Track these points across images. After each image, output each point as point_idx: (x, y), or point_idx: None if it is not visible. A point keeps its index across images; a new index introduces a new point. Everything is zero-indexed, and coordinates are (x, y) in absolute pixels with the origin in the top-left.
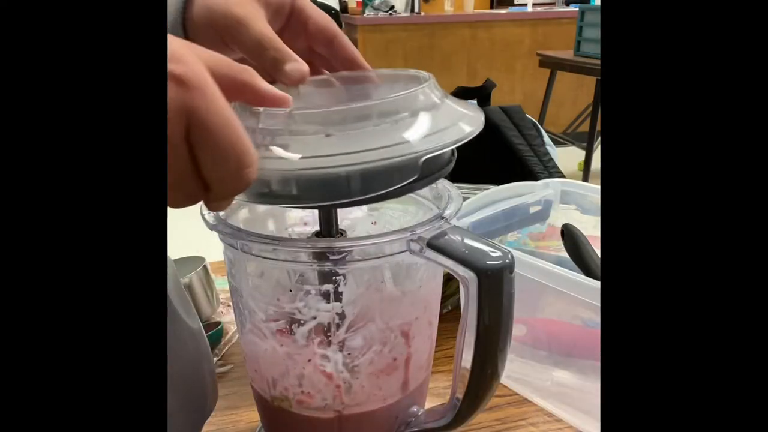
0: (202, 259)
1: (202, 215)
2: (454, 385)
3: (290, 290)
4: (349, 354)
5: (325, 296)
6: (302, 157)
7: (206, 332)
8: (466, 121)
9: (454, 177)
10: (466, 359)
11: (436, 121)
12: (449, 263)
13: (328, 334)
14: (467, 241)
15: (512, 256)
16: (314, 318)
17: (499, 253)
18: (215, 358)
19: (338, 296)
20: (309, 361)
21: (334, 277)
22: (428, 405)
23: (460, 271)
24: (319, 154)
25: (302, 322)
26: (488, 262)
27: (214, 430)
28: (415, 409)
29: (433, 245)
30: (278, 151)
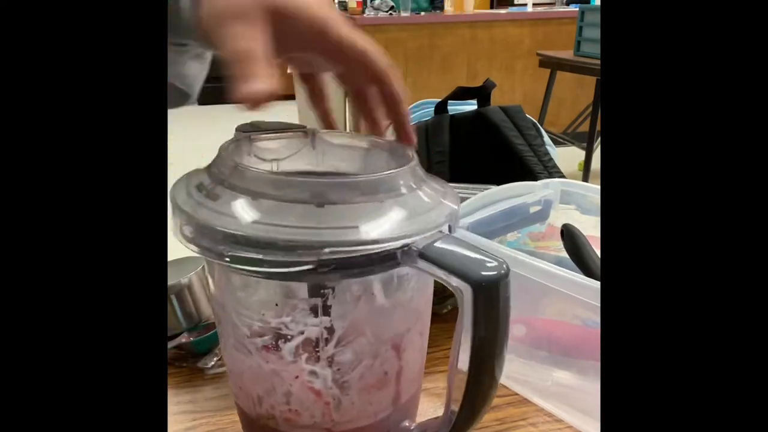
0: (201, 260)
1: (179, 232)
2: (448, 396)
3: (276, 304)
4: (338, 369)
5: (313, 310)
6: (254, 222)
7: (206, 332)
8: (413, 222)
9: (455, 177)
10: (460, 368)
11: (394, 213)
12: (442, 274)
13: (317, 349)
14: (461, 250)
15: (507, 265)
16: (302, 333)
17: (494, 263)
18: (215, 358)
19: (327, 310)
20: (296, 377)
21: (322, 290)
22: (428, 405)
23: (453, 282)
24: (273, 222)
25: (289, 337)
26: (483, 273)
27: (214, 430)
28: (407, 424)
29: (426, 256)
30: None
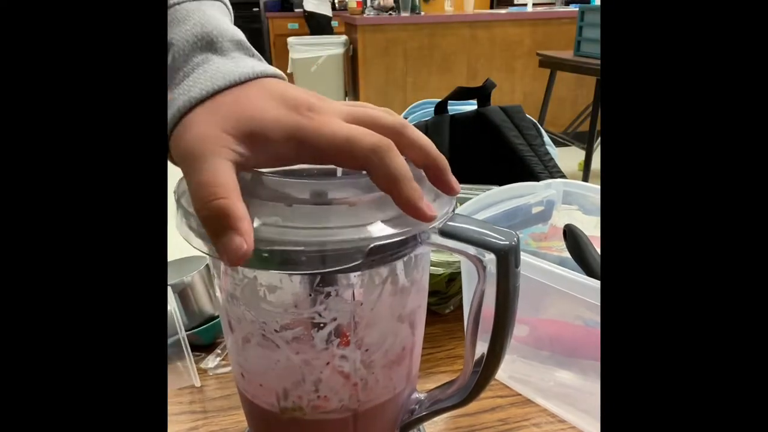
0: (203, 259)
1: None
2: (467, 364)
3: (310, 295)
4: (366, 350)
5: (346, 296)
6: (262, 224)
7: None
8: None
9: (456, 177)
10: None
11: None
12: (465, 248)
13: (348, 333)
14: (475, 226)
15: (517, 234)
16: (334, 320)
17: (507, 234)
18: (217, 359)
19: (358, 294)
20: (327, 364)
21: (354, 275)
22: None
23: (472, 252)
24: (278, 224)
25: (322, 325)
26: (502, 243)
27: (216, 430)
28: (417, 396)
29: (447, 233)
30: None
